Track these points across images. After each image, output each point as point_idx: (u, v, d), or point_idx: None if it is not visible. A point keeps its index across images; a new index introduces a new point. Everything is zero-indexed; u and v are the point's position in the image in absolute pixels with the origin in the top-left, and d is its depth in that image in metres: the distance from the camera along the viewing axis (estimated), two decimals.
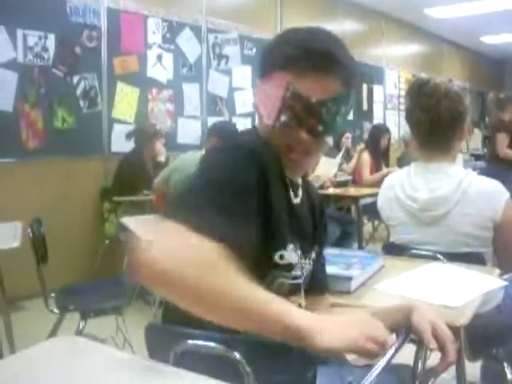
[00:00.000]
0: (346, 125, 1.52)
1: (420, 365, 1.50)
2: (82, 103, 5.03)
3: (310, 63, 1.19)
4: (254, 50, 6.70)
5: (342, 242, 5.06)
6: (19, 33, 4.55)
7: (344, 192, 5.48)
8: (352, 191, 5.28)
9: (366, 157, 5.95)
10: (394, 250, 2.17)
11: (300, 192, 1.35)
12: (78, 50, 4.96)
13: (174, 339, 1.19)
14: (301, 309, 1.10)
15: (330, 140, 1.27)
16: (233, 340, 1.15)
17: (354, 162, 6.54)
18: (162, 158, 4.99)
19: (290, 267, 1.24)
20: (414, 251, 2.11)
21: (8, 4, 4.49)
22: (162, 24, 5.69)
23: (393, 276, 1.80)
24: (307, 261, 1.34)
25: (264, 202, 1.16)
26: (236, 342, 1.15)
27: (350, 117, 8.39)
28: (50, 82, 4.77)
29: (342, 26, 8.09)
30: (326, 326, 0.93)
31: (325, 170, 5.25)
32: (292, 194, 1.30)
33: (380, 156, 6.08)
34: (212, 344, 1.15)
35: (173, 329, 1.21)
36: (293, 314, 0.93)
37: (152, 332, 1.27)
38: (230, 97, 6.50)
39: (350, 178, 6.36)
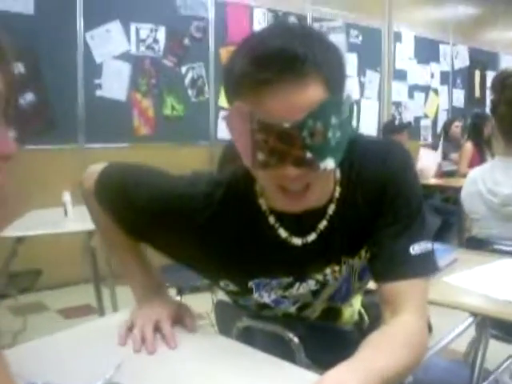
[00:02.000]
0: (350, 133, 1.00)
1: None
2: (190, 92, 5.30)
3: (263, 75, 0.89)
4: (360, 37, 6.69)
5: (442, 232, 4.99)
6: (132, 26, 4.88)
7: (446, 182, 5.37)
8: (453, 182, 5.17)
9: (468, 147, 5.72)
10: (475, 244, 2.18)
11: (315, 222, 1.14)
12: (186, 41, 5.21)
13: (237, 316, 1.33)
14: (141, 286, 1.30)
15: (335, 159, 0.98)
16: (288, 321, 1.27)
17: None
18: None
19: (241, 294, 1.24)
20: (495, 246, 2.11)
21: (123, 0, 4.82)
22: (267, 14, 5.82)
23: (464, 270, 1.83)
24: (292, 289, 1.21)
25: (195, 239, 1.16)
26: (291, 323, 1.28)
27: (459, 103, 8.17)
28: (161, 72, 5.06)
29: (455, 11, 7.86)
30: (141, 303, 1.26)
31: (427, 162, 5.18)
32: (281, 230, 1.12)
33: (484, 146, 5.84)
34: (270, 324, 1.29)
35: (236, 307, 1.34)
36: (134, 286, 1.30)
37: (220, 307, 1.43)
38: None
39: (455, 168, 6.19)
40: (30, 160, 4.33)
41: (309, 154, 0.93)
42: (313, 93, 0.91)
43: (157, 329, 1.18)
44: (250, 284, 1.20)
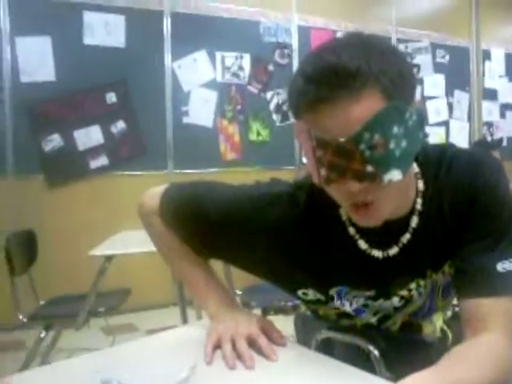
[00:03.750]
0: (421, 141, 0.96)
1: None
2: (275, 117, 5.35)
3: (315, 93, 0.90)
4: (447, 57, 6.55)
5: None
6: (218, 55, 5.02)
7: None
8: None
9: None
10: None
11: (398, 234, 1.11)
12: (270, 67, 5.29)
13: (317, 328, 1.31)
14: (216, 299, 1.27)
15: (402, 169, 0.94)
16: (368, 333, 1.24)
17: None
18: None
19: (322, 303, 1.22)
20: None
21: (208, 30, 4.97)
22: None
23: None
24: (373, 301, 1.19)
25: (273, 248, 1.15)
26: (371, 335, 1.24)
27: None
28: (246, 99, 5.16)
29: None
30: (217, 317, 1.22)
31: None
32: (361, 241, 1.11)
33: None
34: (350, 335, 1.26)
35: (316, 319, 1.32)
36: (208, 302, 1.26)
37: (299, 320, 1.41)
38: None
39: None
40: (122, 185, 4.53)
41: (369, 168, 0.91)
42: (368, 105, 0.88)
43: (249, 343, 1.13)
44: (332, 292, 1.18)
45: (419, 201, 1.09)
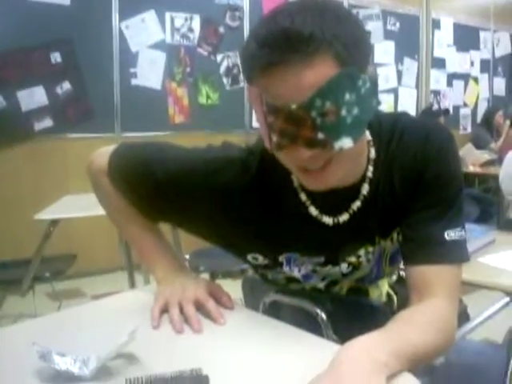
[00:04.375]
0: (373, 109, 0.93)
1: None
2: (225, 80, 5.29)
3: (267, 58, 0.87)
4: (398, 24, 6.58)
5: (480, 222, 4.89)
6: (167, 15, 4.90)
7: (485, 171, 5.25)
8: (493, 170, 5.04)
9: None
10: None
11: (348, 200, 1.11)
12: (221, 29, 5.21)
13: (265, 292, 1.31)
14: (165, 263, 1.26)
15: (354, 137, 0.93)
16: (316, 296, 1.25)
17: (501, 140, 6.23)
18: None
19: (271, 267, 1.23)
20: None
21: None
22: None
23: (501, 251, 1.78)
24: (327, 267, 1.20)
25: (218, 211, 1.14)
26: (319, 298, 1.25)
27: (500, 92, 7.98)
28: (195, 61, 5.07)
29: None
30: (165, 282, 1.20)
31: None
32: (312, 208, 1.10)
33: None
34: (297, 298, 1.27)
35: (264, 282, 1.32)
36: (156, 266, 1.25)
37: (247, 284, 1.42)
38: None
39: (495, 157, 6.07)
40: (68, 148, 4.42)
41: (321, 135, 0.90)
42: (321, 71, 0.86)
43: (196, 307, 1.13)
44: (281, 258, 1.18)
45: (370, 168, 1.09)
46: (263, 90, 0.91)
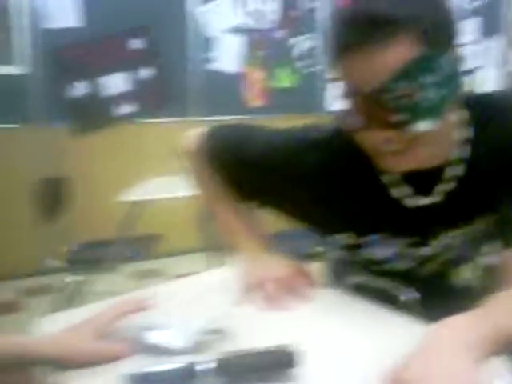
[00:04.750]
0: (457, 89, 0.91)
1: None
2: (301, 63, 5.26)
3: (350, 37, 0.87)
4: (480, 2, 6.35)
5: None
6: None
7: None
8: None
9: None
10: None
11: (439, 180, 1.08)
12: (297, 12, 5.17)
13: (348, 273, 1.31)
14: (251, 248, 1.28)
15: (432, 119, 0.91)
16: (402, 279, 1.23)
17: None
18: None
19: (355, 248, 1.20)
20: None
21: None
22: None
23: None
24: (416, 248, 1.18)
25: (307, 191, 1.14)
26: (406, 281, 1.24)
27: None
28: (271, 44, 5.06)
29: None
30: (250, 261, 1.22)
31: None
32: (395, 190, 1.09)
33: None
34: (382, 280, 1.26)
35: (347, 264, 1.32)
36: (242, 245, 1.28)
37: (330, 264, 1.42)
38: None
39: None
40: (147, 132, 4.55)
41: (397, 117, 0.89)
42: (402, 53, 0.85)
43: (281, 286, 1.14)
44: (366, 239, 1.17)
45: (458, 149, 1.06)
46: (343, 71, 0.91)
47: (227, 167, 1.23)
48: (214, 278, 1.33)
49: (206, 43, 4.81)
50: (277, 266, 1.19)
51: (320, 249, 2.93)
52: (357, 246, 1.19)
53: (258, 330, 1.01)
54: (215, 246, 3.42)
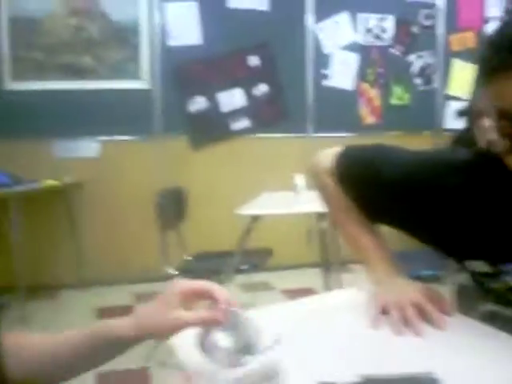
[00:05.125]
0: None
1: None
2: (417, 81, 5.18)
3: (500, 60, 0.86)
4: None
5: None
6: (360, 16, 4.92)
7: None
8: None
9: None
10: None
11: None
12: (414, 29, 5.10)
13: (480, 300, 1.27)
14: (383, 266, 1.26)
15: None
16: None
17: None
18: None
19: (492, 276, 1.16)
20: None
21: None
22: None
23: None
24: None
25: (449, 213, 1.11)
26: None
27: None
28: (388, 62, 5.03)
29: None
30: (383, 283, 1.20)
31: None
32: None
33: None
34: None
35: (479, 290, 1.28)
36: (374, 267, 1.25)
37: (460, 289, 1.38)
38: None
39: None
40: (263, 147, 4.64)
41: None
42: None
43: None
44: (504, 267, 1.14)
45: None
46: (492, 93, 0.89)
47: (361, 186, 1.23)
48: (342, 296, 1.33)
49: (323, 60, 4.85)
50: (413, 289, 1.17)
51: (441, 273, 2.86)
52: (494, 274, 1.16)
53: (391, 354, 1.00)
54: (325, 263, 3.42)
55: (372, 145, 1.26)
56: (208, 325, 0.86)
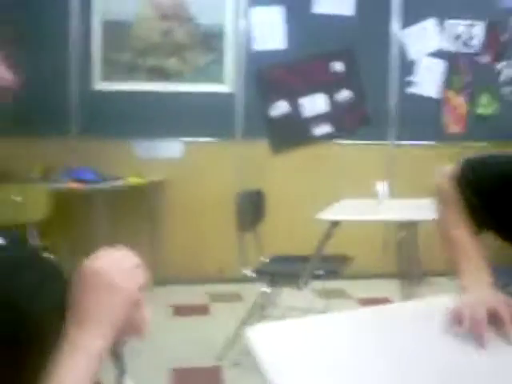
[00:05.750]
0: None
1: None
2: (506, 90, 5.00)
3: None
4: None
5: None
6: (448, 23, 4.79)
7: None
8: None
9: None
10: None
11: None
12: (504, 36, 4.92)
13: None
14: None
15: None
16: None
17: None
18: None
19: None
20: None
21: None
22: None
23: None
24: None
25: None
26: None
27: None
28: (475, 69, 4.87)
29: None
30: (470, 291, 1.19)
31: None
32: None
33: None
34: None
35: None
36: (464, 274, 1.26)
37: None
38: None
39: None
40: (344, 153, 4.61)
41: None
42: None
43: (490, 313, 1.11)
44: None
45: None
46: None
47: (481, 196, 1.26)
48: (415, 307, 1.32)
49: (408, 66, 4.77)
50: (496, 298, 1.16)
51: None
52: None
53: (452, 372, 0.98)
54: (403, 273, 3.35)
55: (494, 155, 1.28)
56: None
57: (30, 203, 3.49)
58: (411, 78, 4.77)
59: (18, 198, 3.43)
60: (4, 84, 0.68)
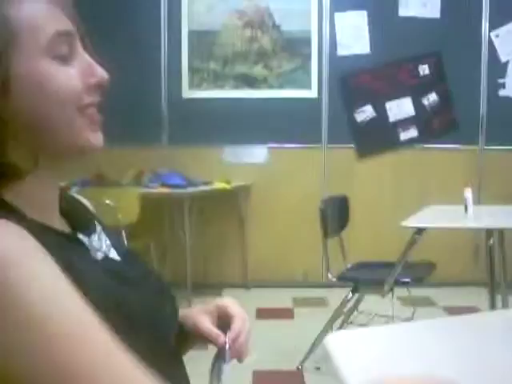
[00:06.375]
0: None
1: None
2: None
3: None
4: None
5: None
6: None
7: None
8: None
9: None
10: None
11: None
12: None
13: None
14: None
15: None
16: None
17: None
18: None
19: None
20: None
21: None
22: None
23: None
24: None
25: None
26: None
27: None
28: None
29: None
30: None
31: None
32: None
33: None
34: None
35: None
36: None
37: None
38: None
39: None
40: (431, 158, 4.53)
41: None
42: None
43: None
44: None
45: None
46: None
47: None
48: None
49: (499, 68, 4.61)
50: None
51: None
52: None
53: None
54: (492, 282, 3.25)
55: None
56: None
57: (122, 207, 3.65)
58: (502, 80, 4.61)
59: (111, 202, 3.59)
60: (99, 80, 0.71)
